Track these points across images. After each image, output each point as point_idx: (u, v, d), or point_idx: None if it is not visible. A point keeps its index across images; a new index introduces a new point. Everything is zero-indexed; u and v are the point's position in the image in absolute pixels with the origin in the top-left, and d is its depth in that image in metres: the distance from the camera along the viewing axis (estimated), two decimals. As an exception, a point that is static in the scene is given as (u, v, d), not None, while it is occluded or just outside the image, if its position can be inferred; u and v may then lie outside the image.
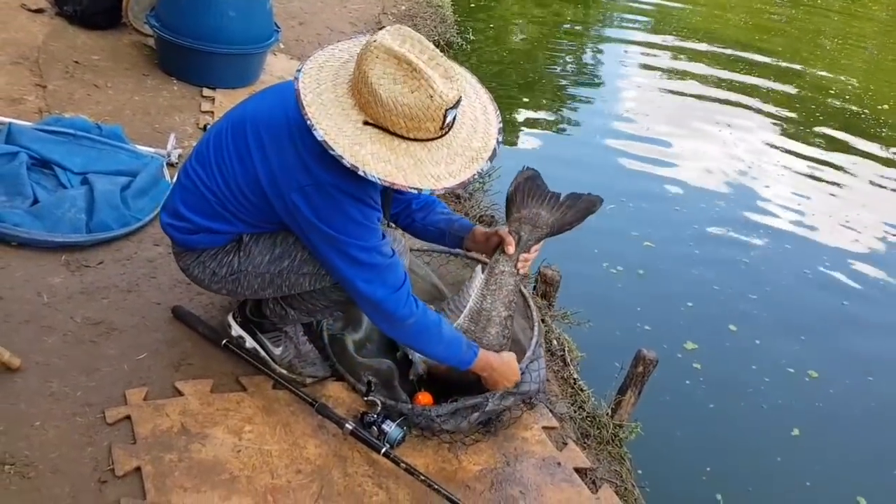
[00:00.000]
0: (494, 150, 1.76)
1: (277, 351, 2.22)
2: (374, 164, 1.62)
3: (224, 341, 2.26)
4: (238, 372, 2.23)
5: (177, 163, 3.14)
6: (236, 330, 2.25)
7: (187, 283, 2.49)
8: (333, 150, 1.61)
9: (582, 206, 2.32)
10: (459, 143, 1.72)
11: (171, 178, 3.01)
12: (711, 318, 3.70)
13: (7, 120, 2.96)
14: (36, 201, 2.62)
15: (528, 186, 2.30)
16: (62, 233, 2.53)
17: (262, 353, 2.23)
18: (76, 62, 3.75)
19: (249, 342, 2.23)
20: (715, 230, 4.51)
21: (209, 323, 2.35)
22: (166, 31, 3.75)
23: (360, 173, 1.62)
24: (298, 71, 1.70)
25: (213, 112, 3.63)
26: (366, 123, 1.64)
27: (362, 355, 2.32)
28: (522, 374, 2.22)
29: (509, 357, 2.19)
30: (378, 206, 1.83)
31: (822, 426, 3.20)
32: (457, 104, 1.66)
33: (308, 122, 1.63)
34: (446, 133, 1.70)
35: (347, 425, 2.04)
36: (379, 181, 1.63)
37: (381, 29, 1.67)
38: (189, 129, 3.47)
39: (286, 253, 1.95)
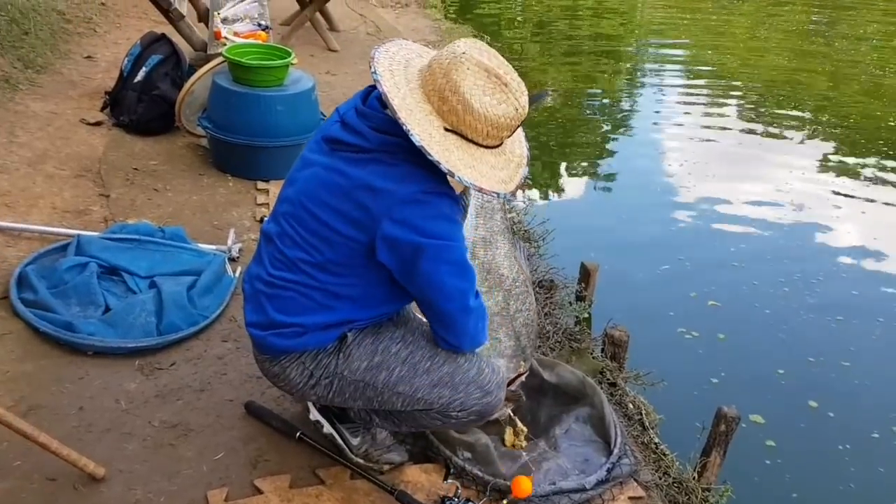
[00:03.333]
0: (528, 156, 1.88)
1: (355, 441, 2.20)
2: (463, 169, 1.70)
3: (298, 434, 2.26)
4: (315, 464, 2.22)
5: (238, 257, 3.21)
6: (314, 415, 2.24)
7: (258, 378, 2.51)
8: (431, 156, 1.67)
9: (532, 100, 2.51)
10: (509, 150, 1.83)
11: (234, 272, 3.08)
12: (794, 388, 3.47)
13: (75, 232, 3.08)
14: (108, 309, 2.70)
15: None
16: (134, 338, 2.59)
17: (339, 440, 2.21)
18: (135, 169, 3.90)
19: (327, 428, 2.22)
20: (784, 286, 4.27)
21: (282, 416, 2.36)
22: (218, 131, 3.88)
23: (456, 178, 1.69)
24: (374, 73, 1.73)
25: (268, 204, 3.72)
26: (446, 130, 1.71)
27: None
28: (611, 469, 2.28)
29: None
30: (456, 195, 1.86)
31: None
32: None
33: (405, 128, 1.67)
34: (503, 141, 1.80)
35: (429, 512, 2.01)
36: (472, 186, 1.70)
37: (458, 40, 1.76)
38: (247, 222, 3.56)
39: (384, 364, 1.94)
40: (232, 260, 3.19)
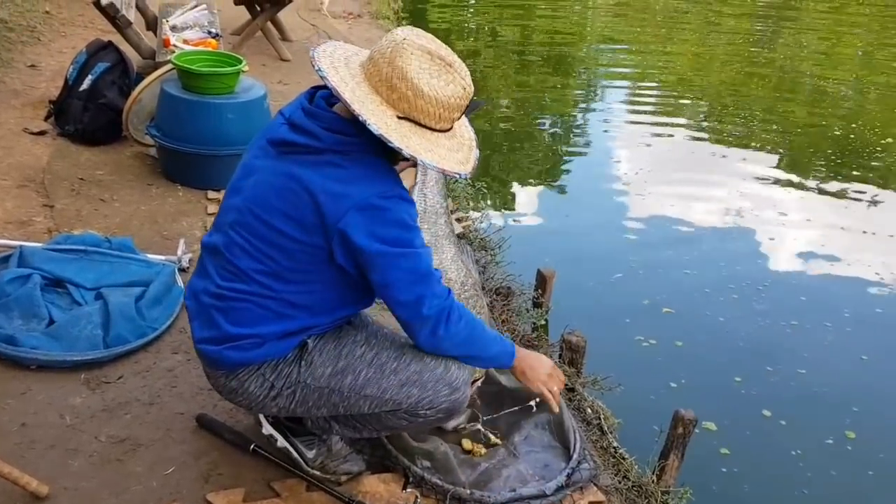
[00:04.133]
0: (475, 138, 1.90)
1: (310, 454, 2.14)
2: (424, 153, 1.70)
3: (252, 446, 2.20)
4: (269, 477, 2.16)
5: (188, 267, 3.13)
6: (267, 429, 2.17)
7: (210, 390, 2.45)
8: (392, 143, 1.66)
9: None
10: (459, 134, 1.84)
11: (185, 283, 3.00)
12: (751, 396, 3.46)
13: (17, 243, 2.97)
14: (52, 321, 2.60)
15: None
16: (80, 351, 2.51)
17: (294, 453, 2.15)
18: (81, 179, 3.80)
19: (281, 442, 2.16)
20: (733, 293, 4.30)
21: (235, 428, 2.30)
22: (167, 139, 3.80)
23: (420, 162, 1.69)
24: (319, 70, 1.70)
25: (219, 214, 3.64)
26: (399, 118, 1.70)
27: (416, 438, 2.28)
28: (571, 474, 2.26)
29: (534, 353, 2.14)
30: (410, 197, 1.84)
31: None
32: None
33: (361, 118, 1.65)
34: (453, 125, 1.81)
35: (388, 522, 1.97)
36: (435, 168, 1.71)
37: (394, 29, 1.77)
38: (198, 232, 3.48)
39: (350, 368, 1.89)
40: (182, 270, 3.11)
